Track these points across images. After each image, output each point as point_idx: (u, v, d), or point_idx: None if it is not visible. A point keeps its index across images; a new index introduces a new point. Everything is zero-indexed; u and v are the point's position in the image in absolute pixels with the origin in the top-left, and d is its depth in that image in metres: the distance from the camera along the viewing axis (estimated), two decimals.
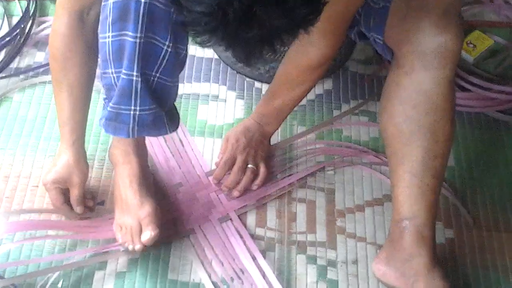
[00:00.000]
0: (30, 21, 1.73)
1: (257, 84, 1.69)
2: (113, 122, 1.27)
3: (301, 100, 1.50)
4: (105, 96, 1.30)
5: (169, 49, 1.23)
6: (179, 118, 1.36)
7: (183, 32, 1.25)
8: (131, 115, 1.25)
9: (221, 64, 1.71)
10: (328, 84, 1.70)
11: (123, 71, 1.22)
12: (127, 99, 1.24)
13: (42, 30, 1.74)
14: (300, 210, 1.48)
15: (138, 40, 1.19)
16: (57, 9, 1.31)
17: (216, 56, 1.73)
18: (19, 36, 1.69)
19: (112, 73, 1.24)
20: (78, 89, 1.36)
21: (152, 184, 1.43)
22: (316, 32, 1.32)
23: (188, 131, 1.58)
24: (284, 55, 1.46)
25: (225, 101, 1.65)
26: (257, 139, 1.51)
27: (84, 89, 1.37)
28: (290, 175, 1.53)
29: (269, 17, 0.92)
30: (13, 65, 1.67)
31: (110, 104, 1.26)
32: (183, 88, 1.65)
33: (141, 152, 1.40)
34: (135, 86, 1.23)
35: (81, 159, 1.40)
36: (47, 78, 1.63)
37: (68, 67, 1.34)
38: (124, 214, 1.36)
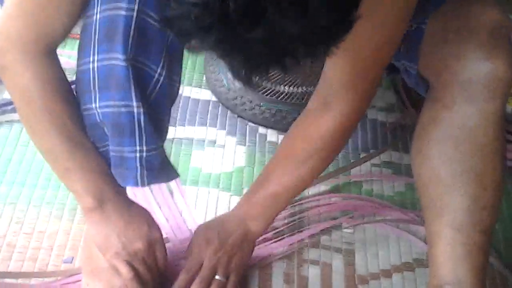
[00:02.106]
0: None
1: (261, 130, 1.44)
2: (119, 168, 1.03)
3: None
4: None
5: (161, 78, 1.00)
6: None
7: (177, 60, 1.03)
8: (137, 158, 1.01)
9: (220, 107, 1.48)
10: None
11: (119, 102, 0.98)
12: (129, 138, 1.00)
13: None
14: (313, 274, 1.20)
15: (129, 63, 0.97)
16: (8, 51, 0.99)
17: (214, 98, 1.49)
18: None
19: (96, 108, 1.00)
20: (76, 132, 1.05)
21: None
22: (332, 89, 1.07)
23: (179, 179, 1.32)
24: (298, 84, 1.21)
25: (224, 147, 1.41)
26: (235, 242, 1.14)
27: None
28: (300, 231, 1.26)
29: (281, 17, 0.65)
30: None
31: (111, 148, 1.03)
32: (175, 131, 1.41)
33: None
34: (137, 120, 1.00)
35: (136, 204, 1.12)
36: (15, 116, 1.38)
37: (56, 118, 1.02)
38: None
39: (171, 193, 1.29)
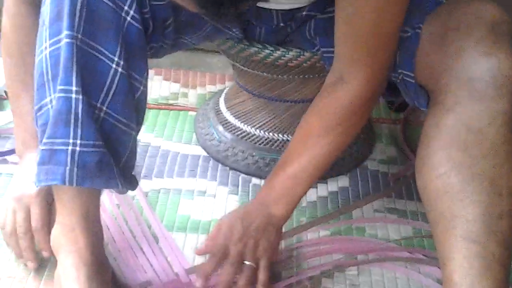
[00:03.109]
0: None
1: (255, 180, 1.35)
2: (46, 165, 0.93)
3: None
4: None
5: (120, 70, 0.93)
6: (137, 182, 1.03)
7: (138, 55, 0.96)
8: (69, 152, 0.91)
9: (211, 161, 1.39)
10: (343, 182, 1.36)
11: (58, 87, 0.90)
12: (63, 127, 0.91)
13: None
14: None
15: (75, 42, 0.90)
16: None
17: (204, 153, 1.41)
18: None
19: (50, 101, 0.92)
20: None
21: (110, 281, 1.04)
22: (345, 62, 1.05)
23: (165, 226, 1.21)
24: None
25: (215, 196, 1.30)
26: (259, 225, 1.09)
27: None
28: (298, 273, 1.13)
29: None
30: None
31: (44, 140, 0.93)
32: (162, 182, 1.31)
33: (92, 230, 1.00)
34: (74, 106, 0.90)
35: None
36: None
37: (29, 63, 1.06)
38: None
39: (156, 238, 1.18)
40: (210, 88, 1.62)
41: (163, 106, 1.54)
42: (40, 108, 0.94)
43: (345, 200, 1.31)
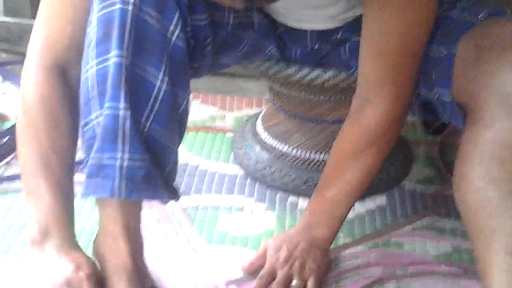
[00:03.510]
0: None
1: (292, 198, 1.35)
2: (94, 178, 0.96)
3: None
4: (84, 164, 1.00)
5: (164, 87, 0.96)
6: (178, 194, 1.05)
7: (181, 72, 0.99)
8: (117, 167, 0.94)
9: (248, 179, 1.40)
10: (381, 201, 1.36)
11: (107, 104, 0.93)
12: (111, 143, 0.94)
13: None
14: None
15: (124, 61, 0.93)
16: (28, 64, 1.05)
17: (242, 172, 1.42)
18: None
19: (97, 117, 0.95)
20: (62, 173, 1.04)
21: None
22: (372, 83, 1.06)
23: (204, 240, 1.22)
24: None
25: (252, 212, 1.31)
26: (304, 248, 1.12)
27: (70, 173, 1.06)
28: None
29: None
30: None
31: (91, 155, 0.95)
32: (200, 199, 1.33)
33: (134, 239, 1.01)
34: (122, 123, 0.93)
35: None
36: None
37: (53, 138, 1.03)
38: None
39: (195, 251, 1.19)
40: (247, 111, 1.64)
41: (201, 128, 1.56)
42: (86, 124, 0.97)
43: (383, 218, 1.31)
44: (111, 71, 0.93)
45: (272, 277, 1.09)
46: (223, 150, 1.49)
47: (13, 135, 1.41)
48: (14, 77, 1.68)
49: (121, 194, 0.95)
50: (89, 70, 0.96)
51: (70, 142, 1.05)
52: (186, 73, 1.01)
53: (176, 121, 1.00)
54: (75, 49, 1.01)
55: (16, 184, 1.32)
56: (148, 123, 0.96)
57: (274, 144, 1.40)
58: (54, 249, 1.00)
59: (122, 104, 0.93)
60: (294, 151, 1.37)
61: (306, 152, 1.37)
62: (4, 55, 1.81)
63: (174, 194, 1.03)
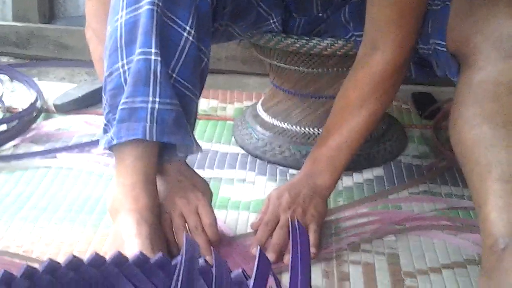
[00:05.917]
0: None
1: (292, 171, 1.39)
2: (126, 122, 1.00)
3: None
4: (106, 116, 1.05)
5: (190, 39, 1.01)
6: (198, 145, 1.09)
7: (205, 28, 1.05)
8: (149, 109, 0.99)
9: (249, 157, 1.45)
10: (378, 172, 1.40)
11: (138, 50, 0.99)
12: (144, 86, 0.99)
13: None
14: (354, 270, 1.09)
15: (155, 9, 0.98)
16: None
17: (243, 151, 1.47)
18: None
19: (123, 65, 1.01)
20: None
21: (165, 241, 1.07)
22: (378, 27, 1.12)
23: None
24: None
25: (254, 183, 1.35)
26: (306, 195, 1.15)
27: None
28: (338, 240, 1.17)
29: None
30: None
31: (122, 100, 1.00)
32: (202, 173, 1.36)
33: (151, 191, 1.05)
34: (154, 68, 0.99)
35: None
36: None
37: None
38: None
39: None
40: (247, 103, 1.69)
41: (202, 117, 1.60)
42: (110, 74, 1.02)
43: (381, 186, 1.35)
44: (143, 19, 0.98)
45: (275, 223, 1.13)
46: (224, 134, 1.54)
47: (21, 120, 1.48)
48: (22, 76, 1.74)
49: (152, 136, 0.99)
50: (118, 19, 1.01)
51: None
52: (209, 29, 1.07)
53: (198, 75, 1.05)
54: None
55: (23, 162, 1.37)
56: (174, 74, 1.01)
57: (275, 122, 1.45)
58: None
59: (154, 50, 0.98)
60: (294, 127, 1.42)
61: (306, 127, 1.41)
62: (12, 59, 1.87)
63: (198, 146, 1.08)
